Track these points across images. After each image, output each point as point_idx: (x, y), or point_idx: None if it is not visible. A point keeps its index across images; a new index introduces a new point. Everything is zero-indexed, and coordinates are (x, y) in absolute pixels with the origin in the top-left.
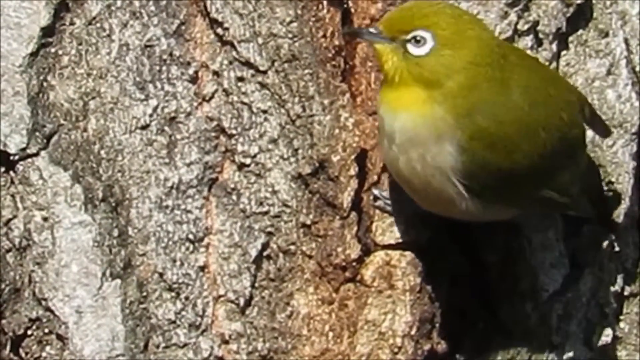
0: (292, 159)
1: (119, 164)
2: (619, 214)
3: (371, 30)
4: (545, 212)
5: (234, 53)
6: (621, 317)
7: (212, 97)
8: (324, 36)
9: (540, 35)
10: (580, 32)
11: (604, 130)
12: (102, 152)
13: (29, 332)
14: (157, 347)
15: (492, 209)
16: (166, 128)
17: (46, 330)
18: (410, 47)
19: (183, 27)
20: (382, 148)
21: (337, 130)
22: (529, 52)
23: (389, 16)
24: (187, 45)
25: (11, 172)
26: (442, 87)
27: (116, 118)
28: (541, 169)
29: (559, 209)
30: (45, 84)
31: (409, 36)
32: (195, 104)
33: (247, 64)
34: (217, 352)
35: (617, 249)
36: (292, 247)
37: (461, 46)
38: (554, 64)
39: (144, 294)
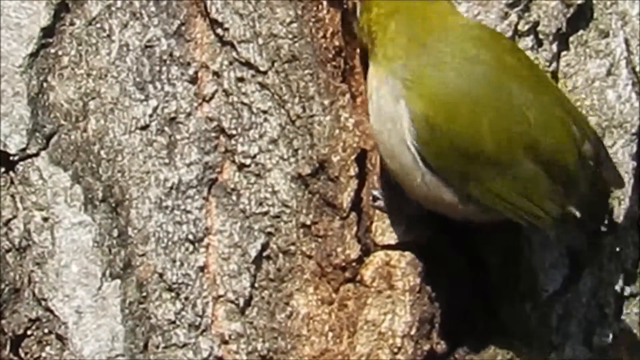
0: (292, 160)
1: (118, 164)
2: (619, 214)
3: None
4: (522, 222)
5: (234, 53)
6: (621, 318)
7: (212, 98)
8: (324, 37)
9: (541, 36)
10: (580, 32)
11: (615, 179)
12: (102, 152)
13: (29, 332)
14: (157, 347)
15: (453, 195)
16: (166, 128)
17: (46, 331)
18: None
19: (183, 28)
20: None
21: (337, 131)
22: (529, 52)
23: None
24: (187, 45)
25: (11, 173)
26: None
27: (116, 118)
28: (498, 163)
29: (534, 222)
30: (45, 84)
31: None
32: (195, 104)
33: (247, 64)
34: (217, 352)
35: (617, 249)
36: (292, 248)
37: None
38: (554, 65)
39: (144, 294)
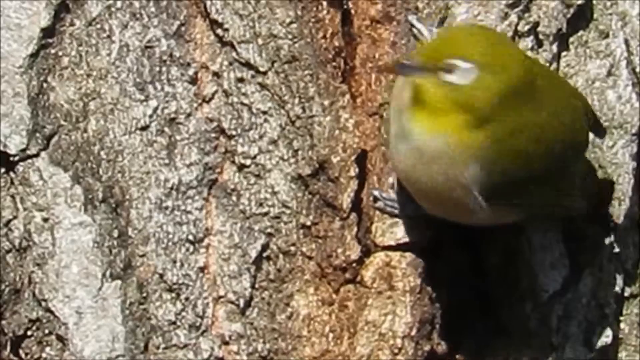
0: (292, 160)
1: (119, 164)
2: (619, 215)
3: (407, 62)
4: (550, 215)
5: (234, 54)
6: (621, 318)
7: (212, 98)
8: (324, 37)
9: (541, 36)
10: (580, 33)
11: (601, 132)
12: (102, 152)
13: (29, 333)
14: (157, 347)
15: (504, 214)
16: (166, 129)
17: (46, 331)
18: (450, 76)
19: (183, 28)
20: (398, 157)
21: (337, 131)
22: (529, 53)
23: (428, 47)
24: (187, 46)
25: (11, 173)
26: (479, 111)
27: (116, 119)
28: (553, 175)
29: (563, 211)
30: (45, 84)
31: (447, 63)
32: (195, 104)
33: (247, 64)
34: (217, 353)
35: (617, 249)
36: (292, 248)
37: (501, 70)
38: (554, 65)
39: (144, 294)
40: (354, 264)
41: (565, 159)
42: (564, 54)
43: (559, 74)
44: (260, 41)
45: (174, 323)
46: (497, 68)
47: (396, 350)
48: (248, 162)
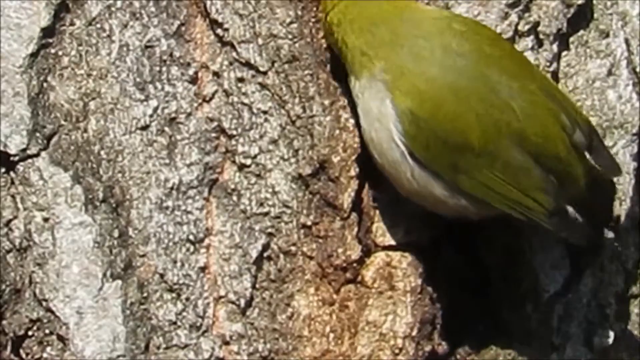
0: (293, 160)
1: (119, 164)
2: (620, 214)
3: None
4: (517, 216)
5: (234, 54)
6: (622, 318)
7: (212, 98)
8: (324, 37)
9: (541, 36)
10: (580, 32)
11: (610, 166)
12: (103, 152)
13: (30, 333)
14: (158, 348)
15: (443, 190)
16: (166, 129)
17: (47, 331)
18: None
19: (183, 28)
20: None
21: (337, 131)
22: (529, 53)
23: None
24: (187, 46)
25: (11, 173)
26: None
27: (116, 119)
28: (486, 153)
29: (528, 214)
30: (45, 84)
31: None
32: (195, 104)
33: (247, 64)
34: (218, 353)
35: (618, 249)
36: (293, 248)
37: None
38: (554, 65)
39: (145, 294)
40: (355, 264)
41: (520, 150)
42: (564, 53)
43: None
44: (260, 41)
45: (175, 323)
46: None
47: (397, 351)
48: (248, 161)
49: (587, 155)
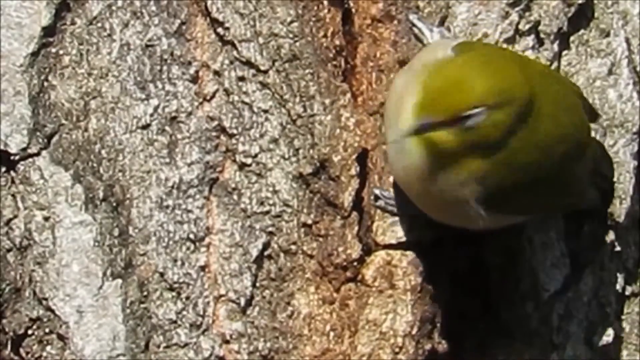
0: (293, 159)
1: (119, 163)
2: (620, 213)
3: (426, 122)
4: (559, 211)
5: (235, 53)
6: (622, 317)
7: (212, 97)
8: (325, 36)
9: (542, 35)
10: (581, 31)
11: (591, 115)
12: (103, 151)
13: (30, 332)
14: (158, 346)
15: (509, 219)
16: (167, 128)
17: (47, 330)
18: (463, 124)
19: (184, 27)
20: (397, 166)
21: (338, 130)
22: (529, 52)
23: (434, 93)
24: (187, 45)
25: (12, 172)
26: (489, 145)
27: (117, 118)
28: (556, 178)
29: (573, 206)
30: (46, 83)
31: (462, 115)
32: (196, 103)
33: (248, 63)
34: (218, 351)
35: (618, 248)
36: (293, 247)
37: (508, 102)
38: (555, 64)
39: (145, 293)
40: (355, 263)
41: (567, 159)
42: (564, 52)
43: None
44: (261, 40)
45: (175, 322)
46: (505, 102)
47: (397, 349)
48: (249, 160)
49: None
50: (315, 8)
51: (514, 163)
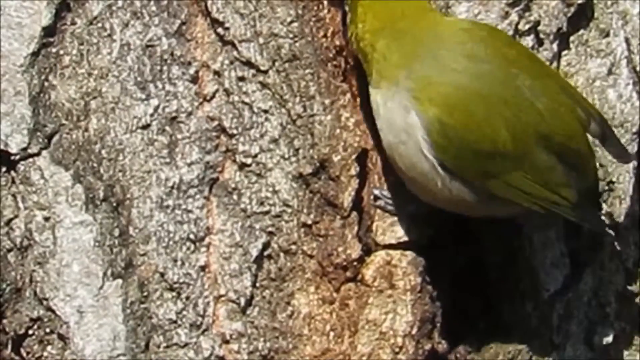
0: (293, 159)
1: (120, 163)
2: (620, 213)
3: None
4: (543, 211)
5: (235, 53)
6: (622, 317)
7: (213, 97)
8: (325, 36)
9: (541, 35)
10: (581, 31)
11: (621, 154)
12: (103, 151)
13: (30, 332)
14: (158, 346)
15: (475, 196)
16: (167, 128)
17: (47, 330)
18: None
19: (184, 27)
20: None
21: (337, 130)
22: None
23: None
24: (188, 45)
25: (12, 172)
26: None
27: (117, 118)
28: (515, 157)
29: (554, 209)
30: (46, 83)
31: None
32: (196, 103)
33: (248, 63)
34: (218, 351)
35: (617, 248)
36: (293, 247)
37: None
38: (554, 64)
39: (145, 293)
40: (355, 263)
41: (545, 149)
42: (564, 52)
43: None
44: (261, 40)
45: (175, 322)
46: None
47: (397, 349)
48: (249, 160)
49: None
50: (315, 8)
51: (446, 98)
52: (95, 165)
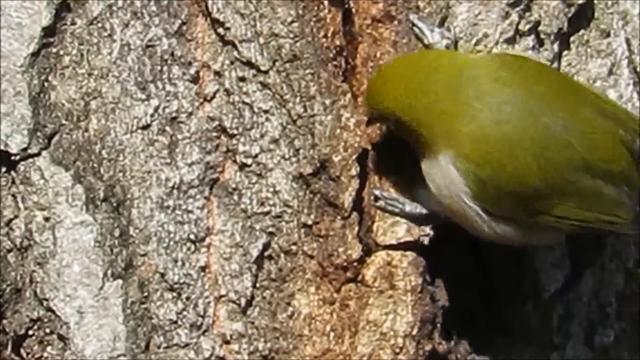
0: (294, 159)
1: (120, 164)
2: None
3: None
4: (600, 232)
5: (235, 53)
6: (622, 317)
7: (213, 97)
8: (325, 36)
9: (542, 36)
10: (581, 32)
11: None
12: (104, 152)
13: (30, 332)
14: (159, 347)
15: (523, 231)
16: (167, 128)
17: (47, 331)
18: None
19: (184, 27)
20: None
21: (338, 130)
22: (530, 52)
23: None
24: (188, 45)
25: (12, 172)
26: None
27: (117, 118)
28: (556, 192)
29: (612, 228)
30: (46, 84)
31: None
32: (196, 104)
33: (249, 63)
34: (219, 352)
35: (618, 248)
36: (294, 247)
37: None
38: (555, 65)
39: (145, 294)
40: (355, 263)
41: (588, 176)
42: (565, 53)
43: (597, 94)
44: (261, 40)
45: (175, 322)
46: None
47: (397, 350)
48: (249, 161)
49: None
50: (316, 8)
51: (480, 150)
52: (95, 165)
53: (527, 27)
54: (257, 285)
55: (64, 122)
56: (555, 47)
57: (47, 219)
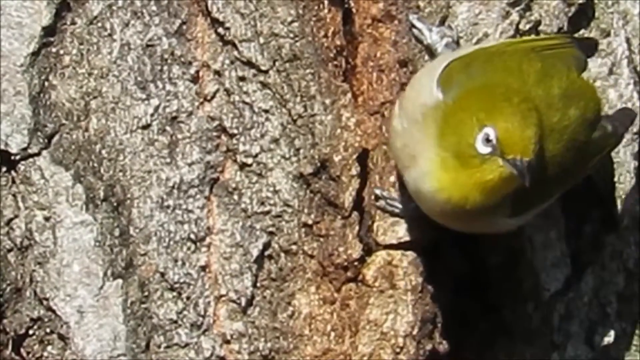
0: (294, 159)
1: (120, 163)
2: (620, 213)
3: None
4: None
5: (236, 53)
6: (623, 317)
7: (213, 97)
8: (325, 36)
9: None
10: (582, 31)
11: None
12: (104, 151)
13: (31, 332)
14: (159, 347)
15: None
16: (167, 128)
17: (48, 330)
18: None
19: (184, 27)
20: (424, 197)
21: (338, 130)
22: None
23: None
24: (188, 44)
25: (13, 172)
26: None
27: (117, 118)
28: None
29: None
30: (46, 83)
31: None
32: (196, 103)
33: (249, 63)
34: (219, 352)
35: (618, 248)
36: (294, 247)
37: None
38: None
39: (146, 293)
40: (356, 263)
41: (583, 153)
42: None
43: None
44: (261, 40)
45: (176, 322)
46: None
47: (398, 349)
48: (249, 160)
49: None
50: (316, 8)
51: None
52: (95, 165)
53: (528, 26)
54: (258, 284)
55: (64, 121)
56: None
57: (47, 219)
